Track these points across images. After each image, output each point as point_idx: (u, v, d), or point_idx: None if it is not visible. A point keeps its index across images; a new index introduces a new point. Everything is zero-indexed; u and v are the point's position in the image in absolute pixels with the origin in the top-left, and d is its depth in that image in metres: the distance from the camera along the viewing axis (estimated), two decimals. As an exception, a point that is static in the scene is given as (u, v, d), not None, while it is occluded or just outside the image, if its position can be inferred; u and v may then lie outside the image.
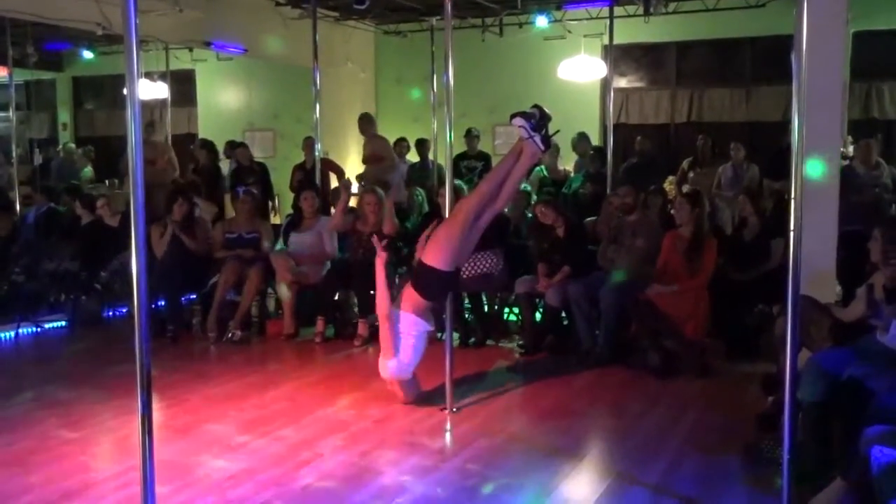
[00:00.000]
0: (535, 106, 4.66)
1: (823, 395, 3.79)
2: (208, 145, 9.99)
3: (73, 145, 12.84)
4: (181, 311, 7.10)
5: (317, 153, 8.66)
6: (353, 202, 7.97)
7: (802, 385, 3.73)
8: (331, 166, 9.60)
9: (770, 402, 4.59)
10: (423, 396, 5.09)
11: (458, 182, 7.30)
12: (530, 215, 7.86)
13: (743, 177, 8.85)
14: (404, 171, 9.99)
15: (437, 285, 4.82)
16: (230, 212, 9.19)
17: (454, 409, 4.89)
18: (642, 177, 8.19)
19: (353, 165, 10.65)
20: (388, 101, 12.54)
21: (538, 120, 4.60)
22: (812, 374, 3.84)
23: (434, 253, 4.75)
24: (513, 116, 4.66)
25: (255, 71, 12.17)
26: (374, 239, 5.33)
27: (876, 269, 4.15)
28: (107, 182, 11.59)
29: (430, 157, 10.16)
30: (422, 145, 10.15)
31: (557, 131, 4.77)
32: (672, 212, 7.56)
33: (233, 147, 10.18)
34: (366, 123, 9.65)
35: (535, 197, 8.94)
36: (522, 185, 7.97)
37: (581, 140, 9.64)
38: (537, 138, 4.62)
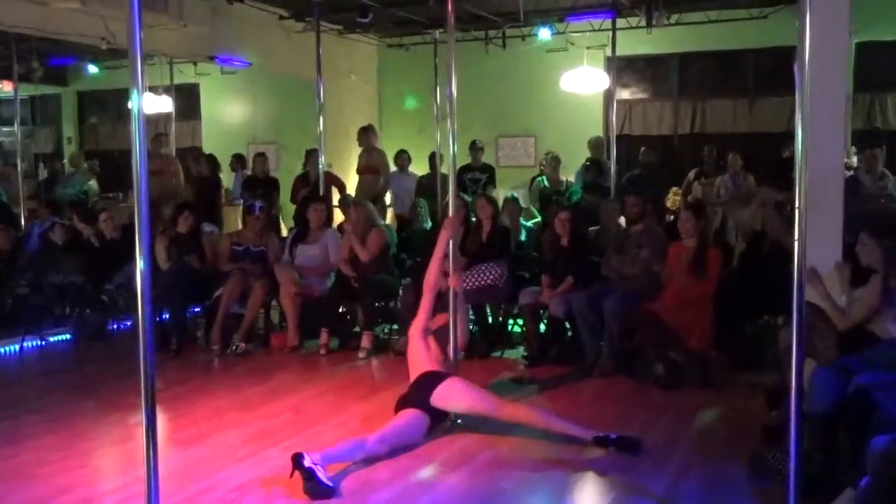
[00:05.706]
0: None
1: (830, 406, 3.77)
2: (209, 156, 10.10)
3: (82, 153, 12.89)
4: (185, 324, 7.10)
5: (320, 166, 8.67)
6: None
7: (808, 396, 3.71)
8: (334, 180, 9.62)
9: (774, 416, 4.57)
10: None
11: (463, 195, 7.33)
12: (530, 225, 7.86)
13: (742, 186, 8.86)
14: (406, 183, 10.00)
15: (413, 402, 4.64)
16: (230, 224, 9.23)
17: (458, 421, 4.87)
18: (645, 188, 8.20)
19: (356, 178, 10.66)
20: (392, 114, 12.57)
21: None
22: (818, 385, 3.83)
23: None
24: None
25: (258, 84, 12.21)
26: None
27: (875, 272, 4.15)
28: (111, 195, 11.61)
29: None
30: (432, 158, 10.10)
31: None
32: (670, 220, 7.57)
33: (239, 159, 10.26)
34: (366, 135, 9.71)
35: (533, 208, 8.96)
36: (511, 195, 8.02)
37: (597, 141, 9.71)
38: None
